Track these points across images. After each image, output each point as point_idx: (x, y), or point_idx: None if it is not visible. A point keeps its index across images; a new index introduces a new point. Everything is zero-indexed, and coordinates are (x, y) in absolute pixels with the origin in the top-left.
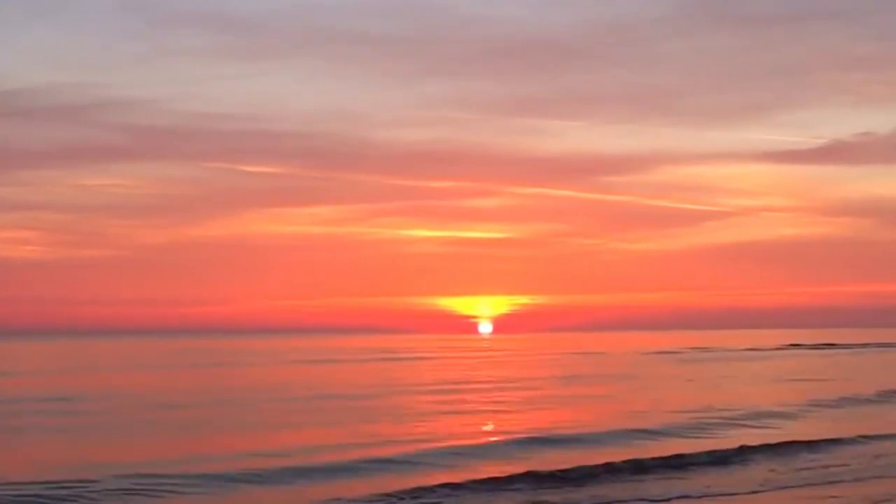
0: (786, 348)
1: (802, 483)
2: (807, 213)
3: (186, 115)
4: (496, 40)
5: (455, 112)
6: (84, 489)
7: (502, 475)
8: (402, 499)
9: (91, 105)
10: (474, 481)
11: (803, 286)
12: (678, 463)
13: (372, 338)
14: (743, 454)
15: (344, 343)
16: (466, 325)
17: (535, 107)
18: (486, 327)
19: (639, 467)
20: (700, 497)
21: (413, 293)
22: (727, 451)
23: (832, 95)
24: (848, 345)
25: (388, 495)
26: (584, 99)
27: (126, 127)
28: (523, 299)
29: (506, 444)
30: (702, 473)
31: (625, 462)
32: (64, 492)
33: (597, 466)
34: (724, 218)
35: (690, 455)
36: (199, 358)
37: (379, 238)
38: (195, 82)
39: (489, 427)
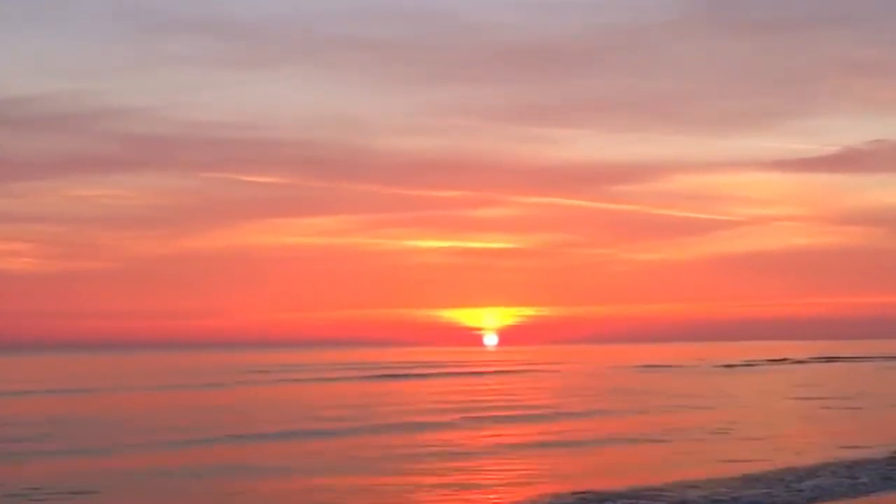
0: (823, 360)
1: None
2: (818, 222)
3: (183, 124)
4: (501, 47)
5: (460, 120)
6: None
7: None
8: None
9: (85, 114)
10: None
11: (815, 296)
12: None
13: (383, 351)
14: None
15: (357, 357)
16: (471, 337)
17: (541, 115)
18: (491, 339)
19: None
20: None
21: (417, 305)
22: None
23: (843, 102)
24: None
25: None
26: (591, 106)
27: (121, 136)
28: (529, 311)
29: None
30: None
31: None
32: None
33: None
34: (735, 227)
35: None
36: (212, 376)
37: (382, 249)
38: (192, 90)
39: None
